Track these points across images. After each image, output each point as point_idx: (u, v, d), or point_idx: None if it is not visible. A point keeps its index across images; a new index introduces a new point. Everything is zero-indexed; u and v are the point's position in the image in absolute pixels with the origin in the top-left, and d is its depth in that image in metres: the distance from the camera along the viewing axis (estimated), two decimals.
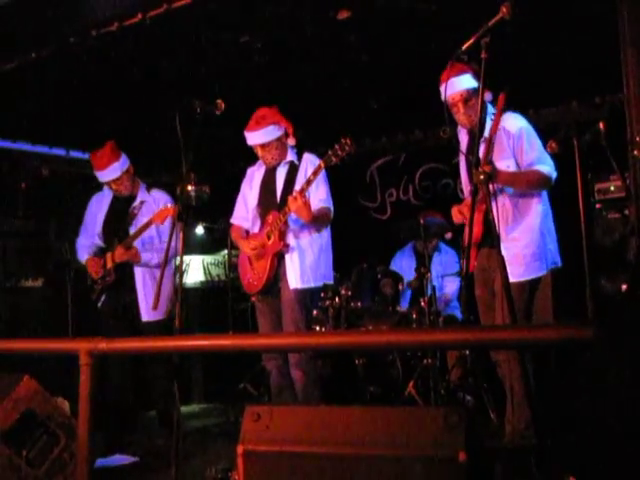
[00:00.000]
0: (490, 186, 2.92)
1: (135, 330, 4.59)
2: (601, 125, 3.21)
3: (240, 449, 2.27)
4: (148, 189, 4.84)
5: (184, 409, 5.65)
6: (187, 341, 2.49)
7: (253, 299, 4.28)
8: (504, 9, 2.74)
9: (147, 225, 4.50)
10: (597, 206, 4.51)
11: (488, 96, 3.51)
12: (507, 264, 3.32)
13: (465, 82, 3.57)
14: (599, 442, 1.60)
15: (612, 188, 4.48)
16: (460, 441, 2.05)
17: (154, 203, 4.75)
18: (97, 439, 2.51)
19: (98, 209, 4.85)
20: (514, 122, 3.55)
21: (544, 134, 3.72)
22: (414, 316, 5.11)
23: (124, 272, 4.63)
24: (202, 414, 5.91)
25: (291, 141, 4.16)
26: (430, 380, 4.61)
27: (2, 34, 4.31)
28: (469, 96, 3.56)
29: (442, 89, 3.51)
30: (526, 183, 3.51)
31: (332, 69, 4.96)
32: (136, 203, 4.75)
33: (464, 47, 2.92)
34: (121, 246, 4.55)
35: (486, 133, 3.51)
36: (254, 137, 4.11)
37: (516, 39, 3.88)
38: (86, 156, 6.53)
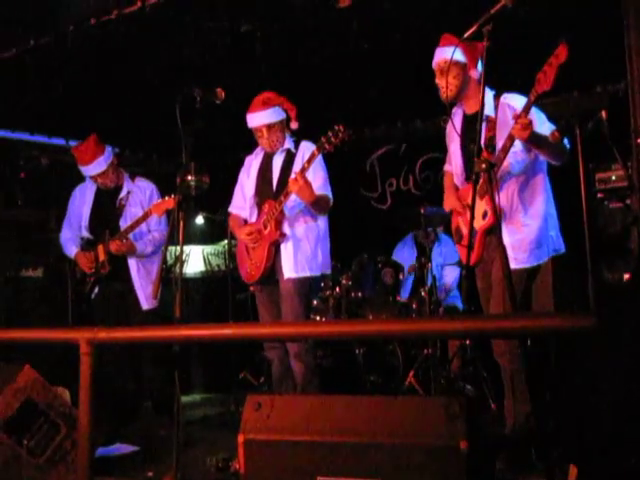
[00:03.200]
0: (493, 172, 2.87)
1: (130, 320, 4.59)
2: (603, 114, 3.19)
3: (241, 438, 2.27)
4: (132, 178, 4.83)
5: (184, 399, 5.66)
6: (187, 330, 2.48)
7: (252, 289, 4.27)
8: None
9: (144, 217, 4.49)
10: (599, 195, 4.50)
11: (475, 73, 3.48)
12: (509, 249, 3.31)
13: (446, 52, 3.48)
14: (600, 431, 1.60)
15: (613, 177, 4.47)
16: (461, 430, 2.06)
17: (140, 192, 4.77)
18: (98, 428, 2.51)
19: (82, 201, 4.83)
20: (520, 100, 3.39)
21: None
22: (414, 306, 5.12)
23: (118, 263, 4.62)
24: (202, 404, 5.92)
25: (294, 124, 4.12)
26: (430, 370, 4.62)
27: (1, 22, 4.29)
28: (446, 67, 3.46)
29: None
30: (552, 147, 3.30)
31: (333, 58, 4.93)
32: (123, 194, 4.75)
33: (466, 35, 2.90)
34: (117, 239, 4.54)
35: (488, 111, 3.41)
36: (259, 117, 4.07)
37: (517, 27, 3.86)
38: None
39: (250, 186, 4.27)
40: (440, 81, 3.54)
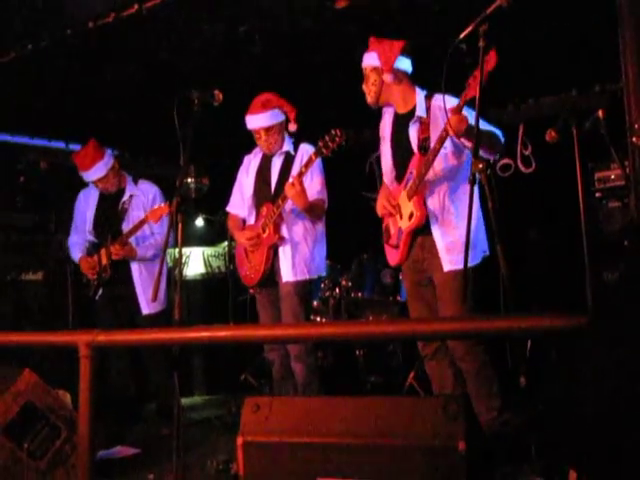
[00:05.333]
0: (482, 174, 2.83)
1: (133, 323, 4.62)
2: (600, 113, 3.19)
3: (240, 440, 2.27)
4: (135, 181, 4.84)
5: (185, 401, 5.66)
6: (187, 333, 2.49)
7: (251, 291, 4.28)
8: None
9: (142, 223, 4.50)
10: (597, 195, 4.49)
11: (388, 77, 3.48)
12: (444, 251, 3.33)
13: (365, 59, 3.60)
14: (597, 432, 1.60)
15: (612, 176, 4.45)
16: (460, 431, 2.06)
17: (143, 195, 4.78)
18: (99, 431, 2.53)
19: (86, 206, 4.86)
20: (449, 101, 3.21)
21: (544, 123, 3.68)
22: None
23: (120, 267, 4.64)
24: (203, 406, 5.92)
25: (292, 126, 4.11)
26: None
27: None
28: (368, 73, 3.57)
29: None
30: (486, 140, 3.23)
31: (330, 58, 4.94)
32: (125, 197, 4.76)
33: (462, 35, 2.89)
34: (117, 244, 4.55)
35: (420, 112, 3.45)
36: (258, 120, 4.08)
37: (514, 27, 3.86)
38: None
39: (249, 186, 4.27)
40: (364, 87, 3.61)
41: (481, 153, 3.26)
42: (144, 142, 6.70)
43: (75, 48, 4.45)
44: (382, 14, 4.27)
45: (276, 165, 4.17)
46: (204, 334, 2.38)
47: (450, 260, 3.35)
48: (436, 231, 3.41)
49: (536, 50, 4.66)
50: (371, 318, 5.12)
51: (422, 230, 3.45)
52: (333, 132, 3.73)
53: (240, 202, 4.34)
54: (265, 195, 4.15)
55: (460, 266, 3.26)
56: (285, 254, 4.03)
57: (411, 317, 3.71)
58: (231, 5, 4.12)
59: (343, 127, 3.80)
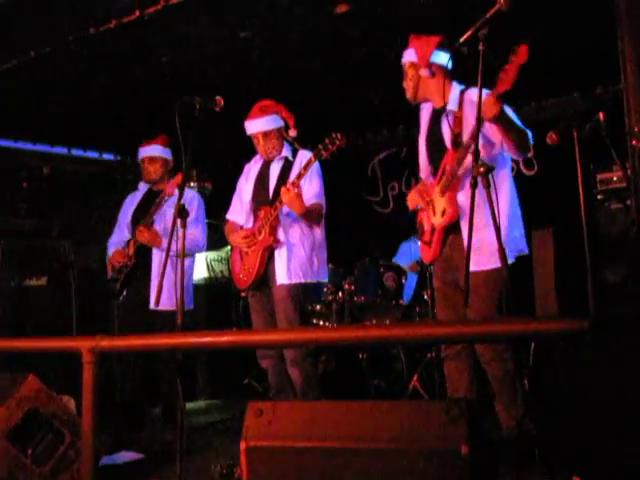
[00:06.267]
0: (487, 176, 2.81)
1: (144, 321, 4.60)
2: (601, 116, 3.18)
3: (243, 445, 2.27)
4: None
5: (189, 405, 5.66)
6: (187, 338, 2.49)
7: (243, 295, 4.25)
8: (501, 0, 2.72)
9: (162, 199, 4.53)
10: (599, 196, 4.48)
11: (425, 71, 3.45)
12: (472, 252, 3.25)
13: (404, 55, 3.57)
14: (600, 437, 1.60)
15: (614, 178, 4.44)
16: (462, 434, 2.05)
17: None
18: (103, 436, 2.53)
19: (130, 205, 4.95)
20: (477, 92, 3.09)
21: (546, 126, 3.68)
22: (417, 309, 5.12)
23: (144, 259, 4.64)
24: (207, 410, 5.92)
25: (292, 132, 4.12)
26: (434, 373, 4.61)
27: (1, 33, 4.32)
28: (407, 69, 3.55)
29: None
30: (516, 133, 3.16)
31: (332, 63, 4.95)
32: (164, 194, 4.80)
33: (462, 39, 2.89)
34: (142, 226, 4.58)
35: (451, 106, 3.40)
36: (256, 125, 4.09)
37: (515, 30, 3.86)
38: (87, 154, 6.57)
39: (247, 192, 4.27)
40: (404, 83, 3.60)
41: (507, 150, 3.25)
42: None
43: (77, 54, 4.47)
44: (383, 19, 4.28)
45: (275, 170, 4.18)
46: (207, 339, 2.39)
47: (475, 261, 3.15)
48: (463, 229, 3.27)
49: (537, 53, 4.65)
50: (374, 321, 5.12)
51: (453, 228, 3.37)
52: (334, 135, 3.74)
53: (238, 209, 4.34)
54: (263, 200, 4.14)
55: (486, 267, 3.24)
56: (281, 257, 4.00)
57: (437, 317, 3.66)
58: (231, 11, 4.13)
59: (344, 131, 3.81)
